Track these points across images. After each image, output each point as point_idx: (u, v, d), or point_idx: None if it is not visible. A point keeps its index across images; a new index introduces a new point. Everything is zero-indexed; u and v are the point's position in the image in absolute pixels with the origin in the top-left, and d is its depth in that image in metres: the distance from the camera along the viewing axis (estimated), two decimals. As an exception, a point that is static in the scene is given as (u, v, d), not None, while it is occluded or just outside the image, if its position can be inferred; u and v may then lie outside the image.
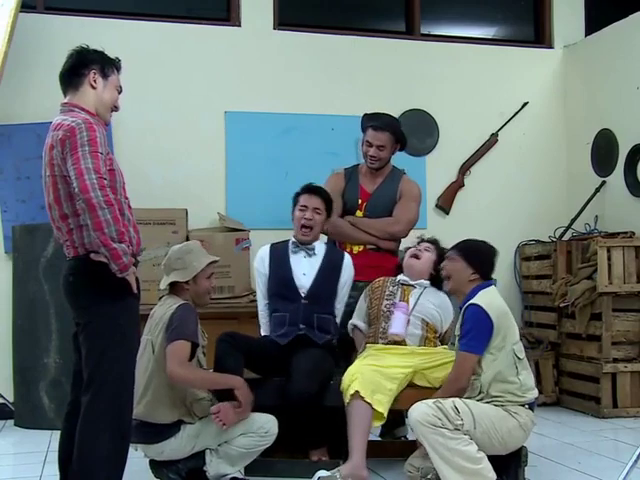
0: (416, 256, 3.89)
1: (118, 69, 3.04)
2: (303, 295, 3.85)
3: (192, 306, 3.37)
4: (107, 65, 2.98)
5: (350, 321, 4.01)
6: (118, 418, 2.80)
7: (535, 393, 3.33)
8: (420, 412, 3.14)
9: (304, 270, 3.90)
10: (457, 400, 3.18)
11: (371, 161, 4.25)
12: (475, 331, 3.23)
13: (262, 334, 3.97)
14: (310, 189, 4.01)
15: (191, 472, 3.33)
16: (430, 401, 3.18)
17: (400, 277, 3.92)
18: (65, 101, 2.96)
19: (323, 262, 3.93)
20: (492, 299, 3.32)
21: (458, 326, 3.35)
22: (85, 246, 2.78)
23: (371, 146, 4.23)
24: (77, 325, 2.90)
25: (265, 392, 3.60)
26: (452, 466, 3.09)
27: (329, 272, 3.92)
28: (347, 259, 4.01)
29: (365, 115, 4.37)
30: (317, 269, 3.90)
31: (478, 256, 3.43)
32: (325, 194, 4.01)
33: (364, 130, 4.32)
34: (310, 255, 3.93)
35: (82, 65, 2.94)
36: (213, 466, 3.33)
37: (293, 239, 3.99)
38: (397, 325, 3.70)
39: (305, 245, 3.95)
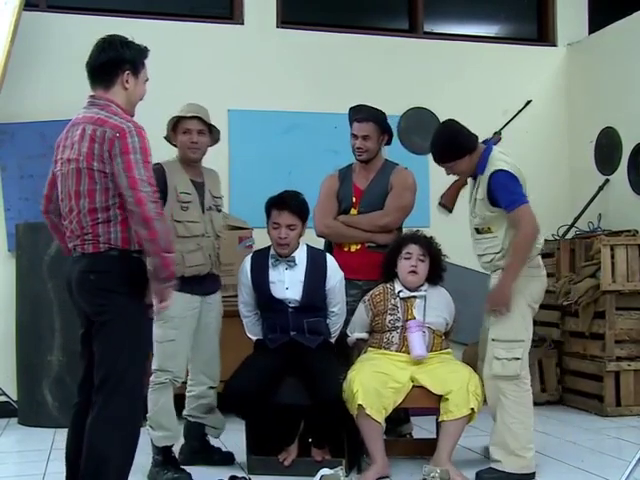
0: (414, 272, 3.78)
1: (146, 59, 2.96)
2: (290, 306, 3.77)
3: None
4: (138, 61, 2.92)
5: (350, 337, 3.94)
6: (131, 418, 2.78)
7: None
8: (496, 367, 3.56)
9: (287, 284, 3.78)
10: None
11: (358, 153, 4.20)
12: (513, 187, 3.55)
13: (248, 335, 3.94)
14: (277, 203, 3.80)
15: (166, 453, 3.60)
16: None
17: (397, 287, 3.82)
18: (97, 94, 2.88)
19: (307, 271, 3.80)
20: (505, 159, 3.63)
21: (482, 191, 3.60)
22: (110, 242, 2.75)
23: (357, 138, 4.18)
24: (88, 324, 2.85)
25: (283, 390, 3.68)
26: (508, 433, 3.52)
27: (315, 280, 3.80)
28: (330, 260, 3.89)
29: (350, 109, 4.29)
30: (302, 280, 3.79)
31: (448, 152, 3.88)
32: (294, 205, 3.80)
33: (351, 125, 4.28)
34: (291, 267, 3.80)
35: (115, 65, 2.86)
36: (155, 439, 3.58)
37: (272, 251, 3.86)
38: (418, 347, 3.65)
39: (285, 257, 3.81)
